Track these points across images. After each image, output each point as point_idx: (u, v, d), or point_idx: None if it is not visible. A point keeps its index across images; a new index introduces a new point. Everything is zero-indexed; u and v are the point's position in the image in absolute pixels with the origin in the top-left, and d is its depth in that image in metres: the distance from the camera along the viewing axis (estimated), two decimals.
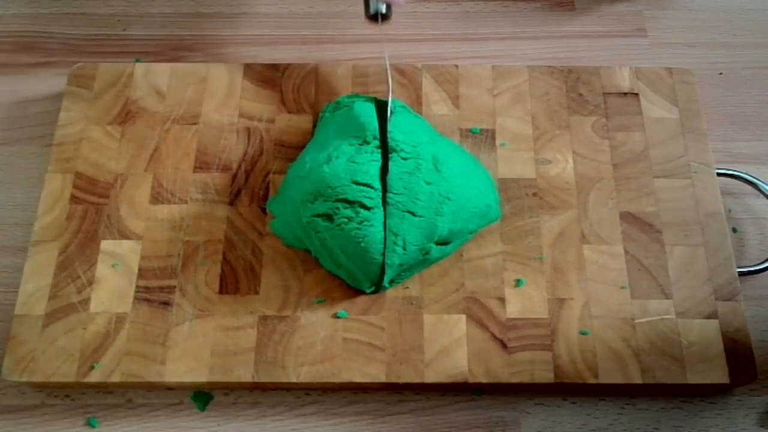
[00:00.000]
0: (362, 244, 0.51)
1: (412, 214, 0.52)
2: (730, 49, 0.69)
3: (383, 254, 0.52)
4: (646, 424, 0.53)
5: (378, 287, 0.54)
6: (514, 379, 0.52)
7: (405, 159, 0.53)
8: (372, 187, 0.52)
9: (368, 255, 0.51)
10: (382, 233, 0.52)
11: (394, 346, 0.53)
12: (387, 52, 0.59)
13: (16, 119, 0.64)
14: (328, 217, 0.52)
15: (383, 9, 0.57)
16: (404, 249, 0.52)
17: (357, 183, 0.52)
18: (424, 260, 0.54)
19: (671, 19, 0.71)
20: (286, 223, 0.55)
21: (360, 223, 0.51)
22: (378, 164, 0.53)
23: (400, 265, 0.53)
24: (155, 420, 0.53)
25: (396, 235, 0.52)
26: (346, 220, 0.51)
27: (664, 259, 0.56)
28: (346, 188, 0.52)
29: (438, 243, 0.53)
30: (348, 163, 0.53)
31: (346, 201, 0.52)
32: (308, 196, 0.53)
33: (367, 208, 0.52)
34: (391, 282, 0.54)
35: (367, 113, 0.55)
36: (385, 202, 0.52)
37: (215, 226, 0.56)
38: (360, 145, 0.54)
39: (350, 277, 0.54)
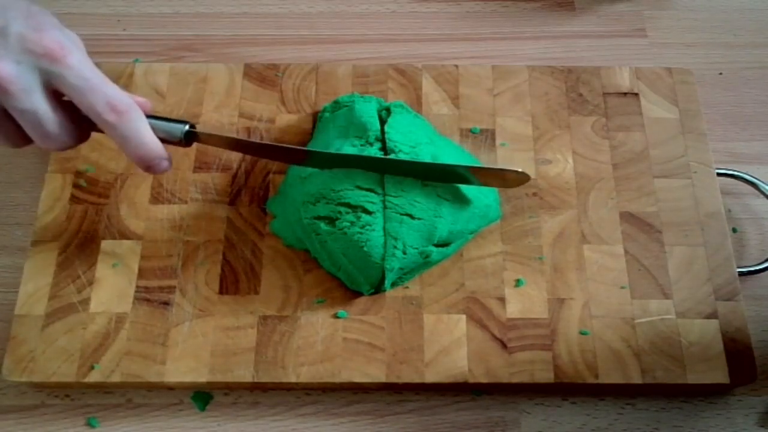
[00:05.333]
0: (365, 249, 0.51)
1: (411, 216, 0.52)
2: (730, 49, 0.69)
3: (383, 258, 0.52)
4: (646, 424, 0.53)
5: (378, 290, 0.54)
6: (514, 379, 0.52)
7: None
8: (374, 192, 0.52)
9: (370, 259, 0.51)
10: (384, 237, 0.52)
11: (394, 346, 0.53)
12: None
13: None
14: (330, 221, 0.52)
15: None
16: (404, 253, 0.52)
17: (360, 188, 0.52)
18: (424, 263, 0.54)
19: (671, 19, 0.71)
20: (287, 223, 0.55)
21: (362, 227, 0.51)
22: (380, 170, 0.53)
23: (401, 269, 0.53)
24: (155, 420, 0.53)
25: (395, 239, 0.51)
26: (348, 224, 0.51)
27: (664, 259, 0.56)
28: (348, 192, 0.51)
29: (438, 245, 0.53)
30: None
31: (348, 205, 0.51)
32: (310, 198, 0.53)
33: (369, 213, 0.51)
34: (392, 284, 0.54)
35: (369, 113, 0.55)
36: (384, 205, 0.52)
37: (215, 226, 0.56)
38: (362, 146, 0.54)
39: (349, 279, 0.54)
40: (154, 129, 0.48)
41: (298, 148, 0.53)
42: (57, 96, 0.46)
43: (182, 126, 0.50)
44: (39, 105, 0.44)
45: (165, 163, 0.49)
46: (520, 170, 0.52)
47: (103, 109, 0.45)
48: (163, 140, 0.49)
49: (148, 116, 0.48)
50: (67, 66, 0.44)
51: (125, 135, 0.47)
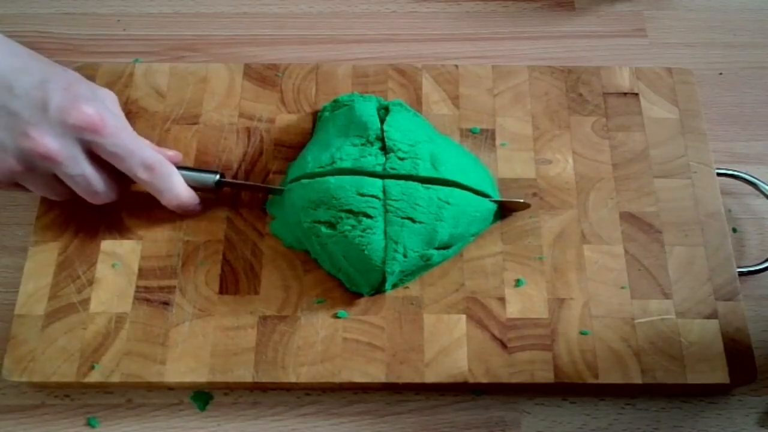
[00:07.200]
0: (365, 252, 0.51)
1: (412, 220, 0.52)
2: (730, 49, 0.69)
3: (384, 261, 0.52)
4: (646, 424, 0.53)
5: (378, 291, 0.54)
6: (514, 379, 0.52)
7: (402, 159, 0.53)
8: (377, 198, 0.52)
9: (371, 262, 0.51)
10: (385, 240, 0.52)
11: (394, 346, 0.53)
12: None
13: None
14: (330, 225, 0.52)
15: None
16: (405, 256, 0.52)
17: (362, 195, 0.51)
18: (425, 265, 0.54)
19: (671, 19, 0.71)
20: (286, 224, 0.55)
21: (363, 231, 0.51)
22: (381, 170, 0.53)
23: (402, 271, 0.53)
24: (155, 420, 0.53)
25: (396, 242, 0.51)
26: (349, 228, 0.51)
27: (664, 259, 0.56)
28: (351, 199, 0.51)
29: (439, 248, 0.53)
30: (353, 170, 0.52)
31: (350, 212, 0.51)
32: (310, 204, 0.52)
33: (370, 217, 0.51)
34: (392, 286, 0.54)
35: (369, 113, 0.55)
36: (385, 209, 0.52)
37: (215, 226, 0.56)
38: (362, 145, 0.54)
39: (349, 280, 0.54)
40: (186, 179, 0.54)
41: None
42: (97, 157, 0.51)
43: (213, 176, 0.55)
44: (86, 169, 0.50)
45: (198, 208, 0.56)
46: (521, 200, 0.56)
47: (138, 170, 0.51)
48: (195, 188, 0.55)
49: (181, 167, 0.54)
50: (105, 136, 0.49)
51: (160, 189, 0.53)
